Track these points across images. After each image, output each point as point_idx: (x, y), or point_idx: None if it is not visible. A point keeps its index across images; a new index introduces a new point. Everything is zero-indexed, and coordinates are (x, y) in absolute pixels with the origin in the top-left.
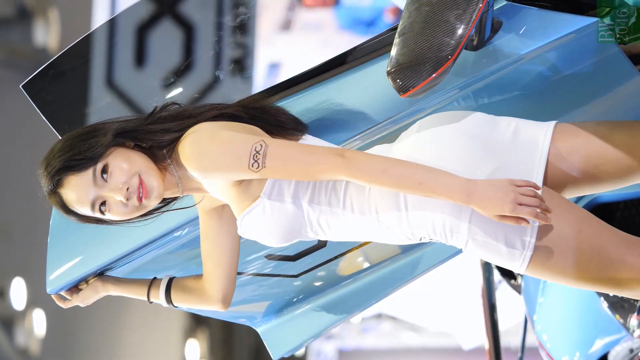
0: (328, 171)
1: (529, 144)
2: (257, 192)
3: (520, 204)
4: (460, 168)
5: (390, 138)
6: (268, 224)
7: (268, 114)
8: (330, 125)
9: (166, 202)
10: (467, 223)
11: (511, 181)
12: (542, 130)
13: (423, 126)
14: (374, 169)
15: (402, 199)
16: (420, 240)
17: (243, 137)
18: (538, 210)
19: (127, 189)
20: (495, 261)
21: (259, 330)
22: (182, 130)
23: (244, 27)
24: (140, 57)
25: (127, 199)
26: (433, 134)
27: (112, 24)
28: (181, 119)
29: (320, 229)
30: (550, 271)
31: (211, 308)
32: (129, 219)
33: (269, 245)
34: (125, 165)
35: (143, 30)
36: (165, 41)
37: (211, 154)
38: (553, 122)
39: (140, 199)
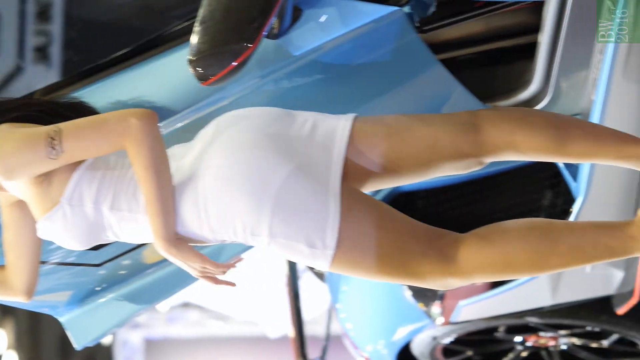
0: (122, 141)
1: (327, 140)
2: (57, 196)
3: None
4: (256, 175)
5: (191, 128)
6: (68, 229)
7: (72, 110)
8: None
9: None
10: (267, 225)
11: (202, 262)
12: (340, 125)
13: (220, 127)
14: (152, 156)
15: (202, 203)
16: (224, 242)
17: (36, 129)
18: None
19: None
20: (298, 260)
21: (61, 319)
22: None
23: (45, 15)
24: None
25: None
26: (230, 138)
27: None
28: None
29: (122, 233)
30: (352, 268)
31: (14, 299)
32: None
33: (69, 249)
34: None
35: None
36: None
37: (9, 154)
38: (352, 116)
39: None
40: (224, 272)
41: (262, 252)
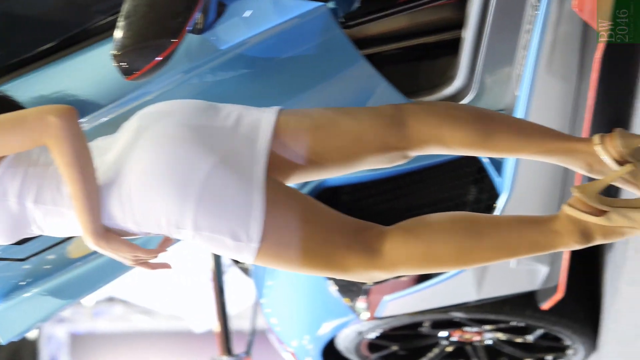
0: (41, 138)
1: (251, 132)
2: None
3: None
4: (180, 168)
5: (116, 122)
6: None
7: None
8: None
9: None
10: (192, 218)
11: (133, 251)
12: (265, 117)
13: (144, 120)
14: (73, 152)
15: (126, 197)
16: (148, 234)
17: None
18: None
19: None
20: (223, 254)
21: None
22: None
23: None
24: None
25: None
26: (154, 132)
27: None
28: None
29: (46, 227)
30: (277, 261)
31: None
32: None
33: None
34: None
35: None
36: None
37: None
38: (276, 109)
39: None
40: (156, 257)
41: (188, 246)
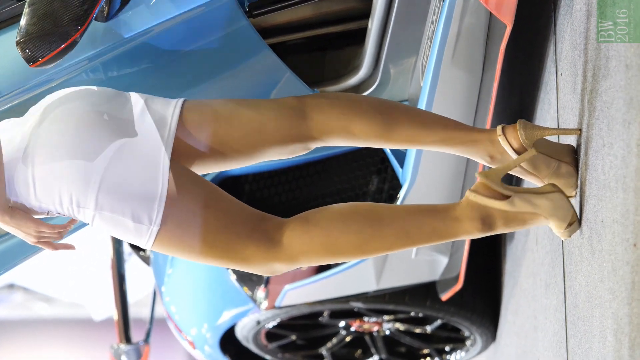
0: None
1: (157, 121)
2: None
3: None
4: (86, 146)
5: (19, 109)
6: None
7: None
8: None
9: None
10: (94, 198)
11: (37, 226)
12: (171, 107)
13: (53, 103)
14: None
15: (31, 173)
16: (48, 214)
17: None
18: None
19: None
20: (122, 237)
21: None
22: None
23: None
24: None
25: None
26: (62, 113)
27: None
28: None
29: None
30: (176, 247)
31: None
32: None
33: None
34: None
35: None
36: None
37: None
38: (181, 100)
39: None
40: (61, 235)
41: (89, 232)
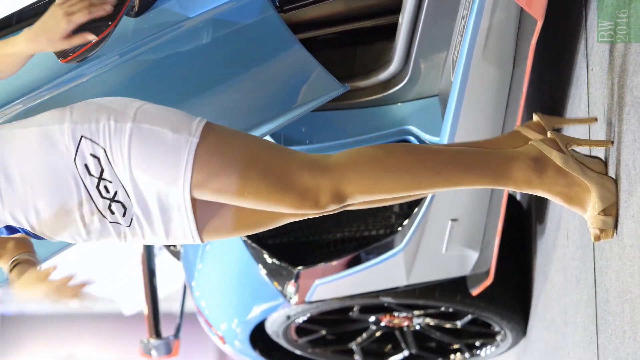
0: None
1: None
2: None
3: (71, 13)
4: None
5: (51, 104)
6: None
7: None
8: None
9: None
10: (133, 111)
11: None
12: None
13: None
14: None
15: (69, 107)
16: (79, 145)
17: None
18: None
19: None
20: (158, 156)
21: None
22: None
23: None
24: None
25: None
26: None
27: None
28: None
29: None
30: (217, 166)
31: None
32: None
33: None
34: None
35: None
36: None
37: None
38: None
39: None
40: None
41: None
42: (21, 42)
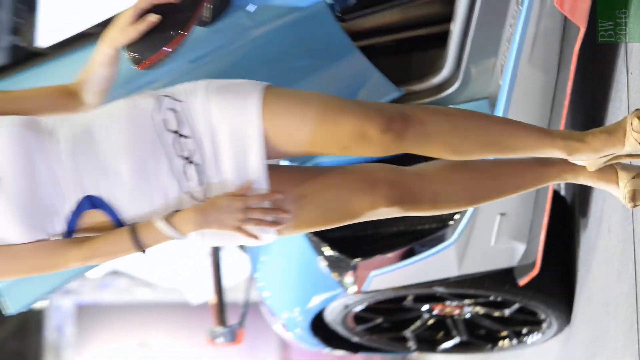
0: None
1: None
2: None
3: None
4: None
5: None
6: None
7: None
8: None
9: None
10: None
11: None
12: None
13: None
14: None
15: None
16: (159, 102)
17: None
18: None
19: None
20: (233, 92)
21: None
22: None
23: None
24: None
25: None
26: None
27: None
28: None
29: None
30: (287, 110)
31: None
32: None
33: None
34: None
35: None
36: None
37: None
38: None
39: None
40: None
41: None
42: (101, 44)
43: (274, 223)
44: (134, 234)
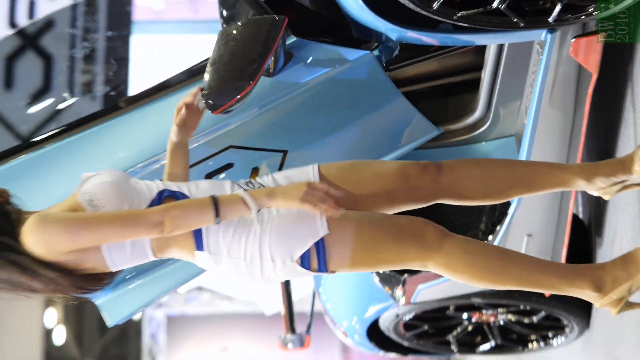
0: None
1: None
2: None
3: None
4: None
5: (207, 144)
6: None
7: None
8: (153, 140)
9: None
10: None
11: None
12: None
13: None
14: None
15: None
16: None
17: None
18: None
19: None
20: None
21: (97, 302)
22: None
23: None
24: (8, 82)
25: None
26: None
27: None
28: None
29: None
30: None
31: None
32: None
33: None
34: None
35: (11, 60)
36: (29, 69)
37: None
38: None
39: None
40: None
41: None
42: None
43: (330, 209)
44: (215, 202)
